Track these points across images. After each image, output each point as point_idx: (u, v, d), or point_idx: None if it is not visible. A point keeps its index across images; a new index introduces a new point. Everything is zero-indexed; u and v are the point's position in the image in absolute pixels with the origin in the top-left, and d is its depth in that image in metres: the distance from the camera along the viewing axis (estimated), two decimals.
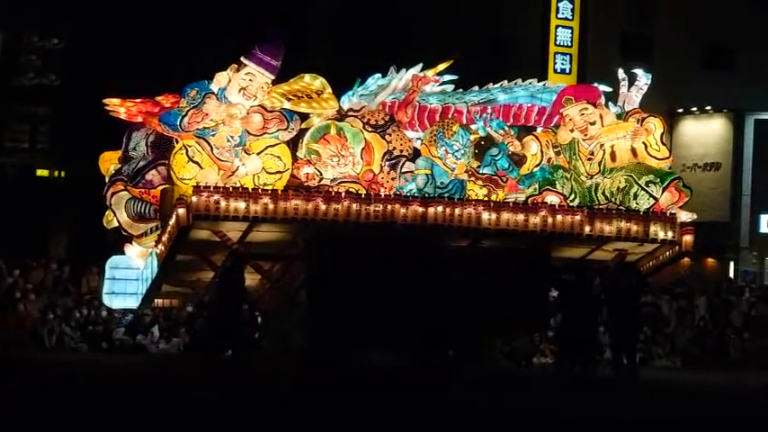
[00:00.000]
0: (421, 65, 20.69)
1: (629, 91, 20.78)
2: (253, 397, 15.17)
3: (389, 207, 18.85)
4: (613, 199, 19.65)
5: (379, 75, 20.62)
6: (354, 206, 18.70)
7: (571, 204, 19.68)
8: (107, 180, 20.92)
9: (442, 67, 20.89)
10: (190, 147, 18.89)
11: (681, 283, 27.22)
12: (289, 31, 19.87)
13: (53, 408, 13.59)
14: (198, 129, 18.87)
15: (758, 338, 26.66)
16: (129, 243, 21.23)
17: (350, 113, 20.10)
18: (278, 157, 19.03)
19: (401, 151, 19.68)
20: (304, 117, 19.72)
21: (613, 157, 19.80)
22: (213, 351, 19.86)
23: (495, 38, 36.58)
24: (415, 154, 19.85)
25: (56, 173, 39.21)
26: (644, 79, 20.80)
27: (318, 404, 14.62)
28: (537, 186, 19.80)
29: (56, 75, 38.54)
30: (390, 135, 19.69)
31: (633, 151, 19.78)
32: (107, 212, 20.67)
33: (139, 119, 20.16)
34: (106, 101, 20.29)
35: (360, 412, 14.09)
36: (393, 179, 19.55)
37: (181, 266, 20.18)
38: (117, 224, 20.58)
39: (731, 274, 35.36)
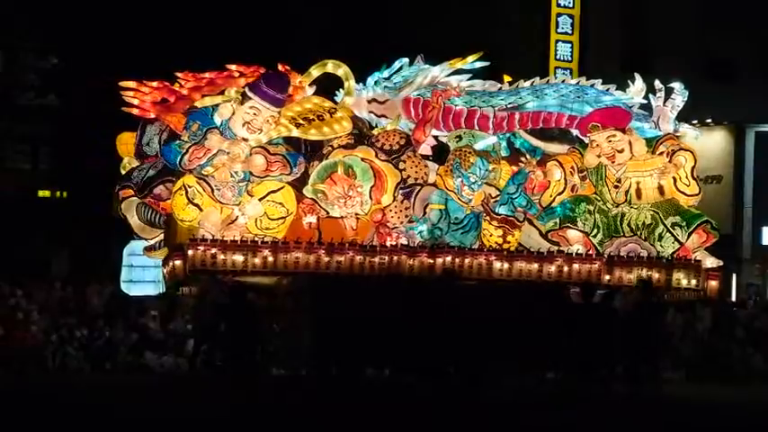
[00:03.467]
0: (447, 63, 19.88)
1: (664, 105, 20.06)
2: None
3: (395, 258, 18.35)
4: (638, 233, 19.14)
5: (406, 59, 19.84)
6: (358, 258, 18.25)
7: (593, 239, 19.07)
8: (122, 167, 20.52)
9: (471, 58, 20.07)
10: (190, 187, 18.39)
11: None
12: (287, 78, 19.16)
13: None
14: (200, 164, 18.38)
15: (761, 352, 26.57)
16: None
17: (373, 102, 19.61)
18: (280, 203, 18.49)
19: (416, 179, 19.02)
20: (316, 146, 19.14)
21: (639, 194, 19.20)
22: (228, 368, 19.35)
23: (493, 50, 36.48)
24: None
25: (57, 193, 39.16)
26: (680, 96, 20.09)
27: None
28: (557, 221, 19.25)
29: (55, 94, 38.45)
30: (405, 162, 19.00)
31: (660, 189, 19.21)
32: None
33: (152, 114, 19.62)
34: (122, 83, 19.68)
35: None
36: (407, 209, 18.89)
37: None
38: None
39: (733, 287, 35.30)
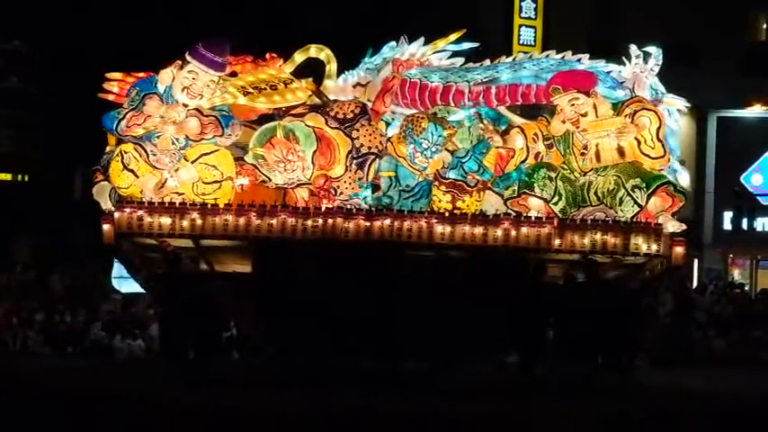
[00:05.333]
0: (423, 38, 19.41)
1: (640, 72, 19.08)
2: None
3: (330, 221, 17.66)
4: (605, 201, 18.20)
5: (393, 43, 19.45)
6: (291, 221, 17.59)
7: (554, 206, 18.16)
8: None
9: (453, 36, 19.55)
10: (126, 153, 18.03)
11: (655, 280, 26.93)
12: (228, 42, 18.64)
13: None
14: (138, 130, 17.99)
15: (722, 336, 26.73)
16: None
17: (357, 87, 19.22)
18: (213, 166, 18.04)
19: (369, 148, 18.33)
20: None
21: (598, 157, 18.23)
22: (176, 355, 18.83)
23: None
24: None
25: (19, 177, 38.93)
26: (654, 60, 19.16)
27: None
28: (515, 189, 18.41)
29: (17, 77, 38.20)
30: (358, 130, 18.33)
31: (620, 150, 18.20)
32: None
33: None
34: (108, 75, 19.23)
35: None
36: (360, 179, 18.27)
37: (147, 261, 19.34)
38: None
39: (695, 272, 35.51)
